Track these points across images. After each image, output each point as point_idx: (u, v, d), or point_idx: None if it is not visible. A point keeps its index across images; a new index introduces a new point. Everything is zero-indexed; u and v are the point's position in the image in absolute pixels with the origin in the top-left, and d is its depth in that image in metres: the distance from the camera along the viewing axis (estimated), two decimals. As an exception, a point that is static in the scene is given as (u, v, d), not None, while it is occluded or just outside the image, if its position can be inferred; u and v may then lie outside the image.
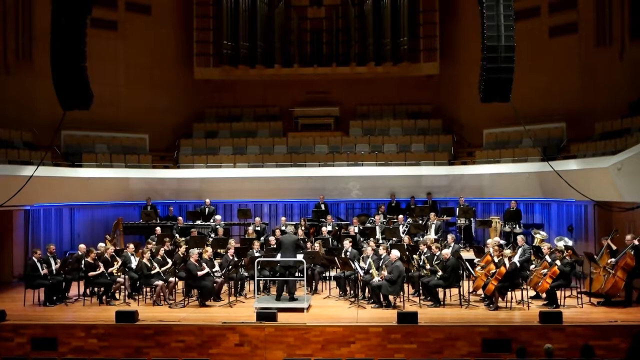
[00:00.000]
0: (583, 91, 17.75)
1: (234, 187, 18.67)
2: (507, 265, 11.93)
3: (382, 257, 12.57)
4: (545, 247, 12.81)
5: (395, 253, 12.20)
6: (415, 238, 15.44)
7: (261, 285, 13.55)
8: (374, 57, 20.42)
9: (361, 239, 15.43)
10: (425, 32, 20.53)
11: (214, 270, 12.85)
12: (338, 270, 13.20)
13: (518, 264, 12.22)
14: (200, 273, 12.32)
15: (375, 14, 20.48)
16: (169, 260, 13.27)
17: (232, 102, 21.82)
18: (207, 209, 17.60)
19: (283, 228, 15.76)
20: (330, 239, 15.01)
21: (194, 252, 12.60)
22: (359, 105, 21.64)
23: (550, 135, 18.07)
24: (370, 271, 12.44)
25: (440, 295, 12.38)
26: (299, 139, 20.42)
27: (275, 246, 13.60)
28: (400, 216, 16.65)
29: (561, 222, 17.07)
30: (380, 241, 14.86)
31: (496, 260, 12.24)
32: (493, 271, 12.03)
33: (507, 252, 12.44)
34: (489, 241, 13.82)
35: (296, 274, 12.84)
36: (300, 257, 12.41)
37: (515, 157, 17.87)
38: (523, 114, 14.01)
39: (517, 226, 16.32)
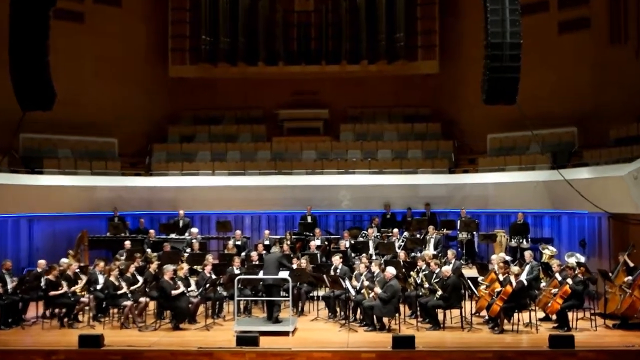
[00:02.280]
0: (596, 93, 17.86)
1: (212, 197, 18.59)
2: (514, 283, 11.93)
3: (375, 274, 12.54)
4: (555, 263, 12.83)
5: (391, 271, 12.16)
6: (412, 254, 15.44)
7: (241, 306, 13.46)
8: (367, 54, 20.49)
9: (353, 255, 15.40)
10: (423, 27, 20.63)
11: (189, 289, 12.76)
12: (327, 289, 13.15)
13: (525, 283, 12.22)
14: (174, 292, 12.22)
15: (368, 8, 20.54)
16: (139, 278, 13.15)
17: (211, 103, 21.78)
18: (181, 221, 17.52)
19: (266, 242, 15.70)
20: (318, 255, 14.96)
21: (169, 268, 12.52)
22: (351, 107, 21.66)
23: (561, 140, 18.18)
24: (362, 291, 12.41)
25: (440, 316, 12.35)
26: (284, 144, 20.40)
27: (257, 263, 13.56)
28: (396, 230, 16.63)
29: (572, 236, 17.11)
30: (374, 257, 14.84)
31: (501, 278, 12.24)
32: (498, 290, 12.03)
33: (514, 269, 12.44)
34: (493, 257, 13.84)
35: (281, 294, 12.77)
36: (285, 274, 12.35)
37: (522, 164, 17.95)
38: (530, 118, 14.07)
39: (524, 241, 16.36)
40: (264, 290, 12.70)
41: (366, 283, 12.45)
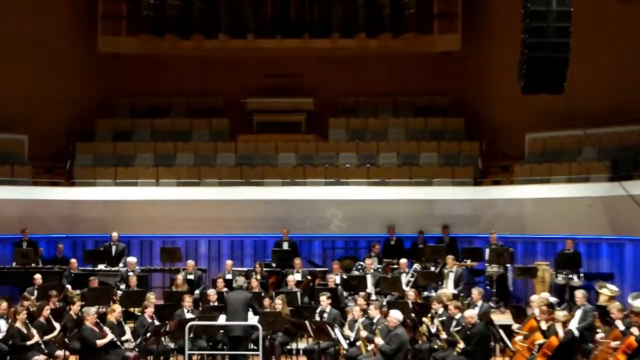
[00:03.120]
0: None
1: (155, 215, 18.63)
2: (561, 334, 11.98)
3: (375, 320, 12.57)
4: (615, 308, 12.88)
5: (396, 316, 12.18)
6: (425, 293, 15.50)
7: (195, 363, 13.46)
8: (366, 25, 20.58)
9: (345, 294, 15.41)
10: (441, -11, 20.84)
11: (123, 339, 12.72)
12: (310, 340, 13.16)
13: (577, 333, 12.29)
14: (100, 342, 12.15)
15: (368, -37, 20.72)
16: (55, 324, 13.10)
17: (155, 89, 21.81)
18: (114, 248, 17.49)
19: (229, 276, 15.66)
20: (298, 294, 14.98)
21: (90, 311, 12.46)
22: (343, 95, 21.79)
23: (623, 143, 18.26)
24: (358, 342, 12.42)
25: (462, 378, 12.41)
26: (253, 145, 20.48)
27: (217, 304, 13.54)
28: (403, 260, 16.61)
29: (639, 271, 17.22)
30: (373, 297, 14.87)
31: (544, 326, 12.29)
32: (539, 342, 12.06)
33: (560, 314, 12.50)
34: (533, 298, 13.89)
35: (248, 346, 12.74)
36: (254, 320, 12.34)
37: (572, 174, 18.05)
38: (583, 112, 14.19)
39: (574, 276, 16.44)
40: (226, 341, 12.68)
41: (363, 333, 12.46)
